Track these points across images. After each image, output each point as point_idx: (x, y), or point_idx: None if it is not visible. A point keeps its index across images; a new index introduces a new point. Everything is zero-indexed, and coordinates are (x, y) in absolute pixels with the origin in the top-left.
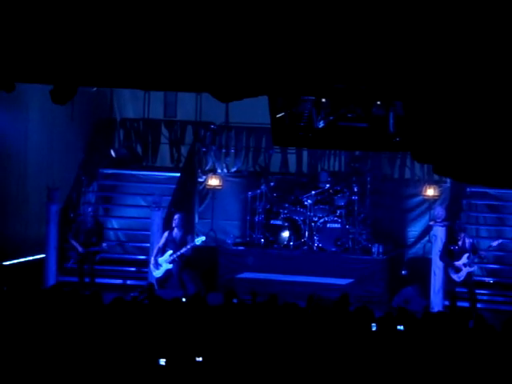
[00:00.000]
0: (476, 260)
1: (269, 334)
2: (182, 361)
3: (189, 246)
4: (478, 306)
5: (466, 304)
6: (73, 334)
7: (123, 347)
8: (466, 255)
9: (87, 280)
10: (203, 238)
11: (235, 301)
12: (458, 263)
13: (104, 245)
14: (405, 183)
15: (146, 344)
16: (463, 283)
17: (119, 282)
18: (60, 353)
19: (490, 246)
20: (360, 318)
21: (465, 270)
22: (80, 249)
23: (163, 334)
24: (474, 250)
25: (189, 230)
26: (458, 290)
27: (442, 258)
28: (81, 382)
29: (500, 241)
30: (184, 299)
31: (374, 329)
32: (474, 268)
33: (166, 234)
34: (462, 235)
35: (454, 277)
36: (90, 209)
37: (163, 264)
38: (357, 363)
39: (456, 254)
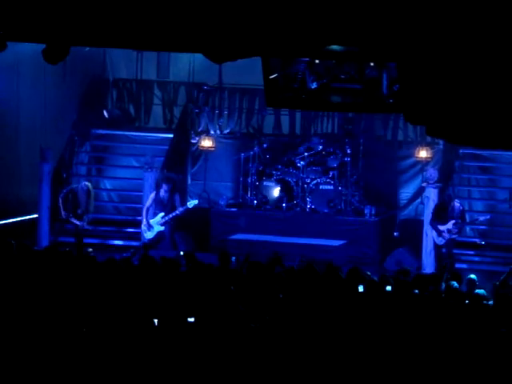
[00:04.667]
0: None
1: (263, 295)
2: (174, 321)
3: (182, 209)
4: (466, 266)
5: (461, 265)
6: (66, 294)
7: (116, 307)
8: (453, 222)
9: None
10: (196, 202)
11: (233, 264)
12: (443, 228)
13: (80, 222)
14: (398, 145)
15: (138, 304)
16: (444, 246)
17: (112, 242)
18: (53, 313)
19: (477, 220)
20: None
21: (447, 236)
22: (79, 223)
23: (155, 295)
24: (462, 217)
25: (177, 189)
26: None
27: (430, 223)
28: (74, 342)
29: (488, 216)
30: (182, 253)
31: (361, 290)
32: (456, 236)
33: (152, 194)
34: (453, 202)
35: (437, 240)
36: (83, 181)
37: (155, 226)
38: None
39: (443, 219)
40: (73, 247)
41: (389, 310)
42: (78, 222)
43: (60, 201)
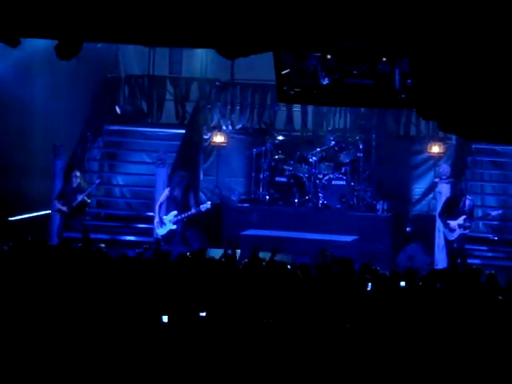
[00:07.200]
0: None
1: (271, 290)
2: (186, 316)
3: (195, 211)
4: (480, 262)
5: (474, 261)
6: (77, 290)
7: (127, 303)
8: (463, 217)
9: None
10: (208, 205)
11: (229, 252)
12: (453, 223)
13: (80, 196)
14: (410, 140)
15: (149, 300)
16: (455, 241)
17: (124, 238)
18: (64, 308)
19: (489, 215)
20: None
21: (458, 231)
22: (64, 208)
23: (167, 290)
24: (470, 213)
25: (191, 187)
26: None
27: (439, 215)
28: (84, 338)
29: (500, 211)
30: (188, 253)
31: (368, 289)
32: (467, 231)
33: (166, 191)
34: (464, 197)
35: (447, 234)
36: (77, 172)
37: (167, 223)
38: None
39: (454, 214)
40: (81, 242)
41: (405, 305)
42: (62, 208)
43: (56, 202)
